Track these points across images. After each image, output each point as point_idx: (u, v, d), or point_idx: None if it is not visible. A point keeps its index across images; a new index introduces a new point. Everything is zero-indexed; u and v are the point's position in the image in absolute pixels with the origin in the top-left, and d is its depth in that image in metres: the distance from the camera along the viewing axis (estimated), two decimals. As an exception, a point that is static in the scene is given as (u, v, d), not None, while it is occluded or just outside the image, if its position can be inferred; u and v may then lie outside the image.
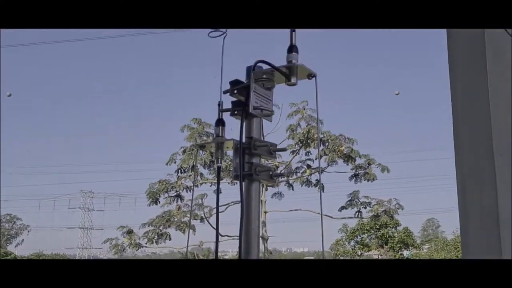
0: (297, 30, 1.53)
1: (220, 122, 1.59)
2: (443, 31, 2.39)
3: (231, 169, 1.73)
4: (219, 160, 1.61)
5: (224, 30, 1.62)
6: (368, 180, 20.45)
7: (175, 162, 21.24)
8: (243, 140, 1.49)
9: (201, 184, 21.32)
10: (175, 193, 21.41)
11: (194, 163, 21.81)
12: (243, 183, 1.46)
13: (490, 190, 2.13)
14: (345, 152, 19.63)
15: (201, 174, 21.39)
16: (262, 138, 1.55)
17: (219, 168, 1.67)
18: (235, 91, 1.51)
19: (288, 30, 1.54)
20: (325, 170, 20.44)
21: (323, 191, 19.04)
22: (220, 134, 1.58)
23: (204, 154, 21.03)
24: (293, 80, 1.47)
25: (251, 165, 1.48)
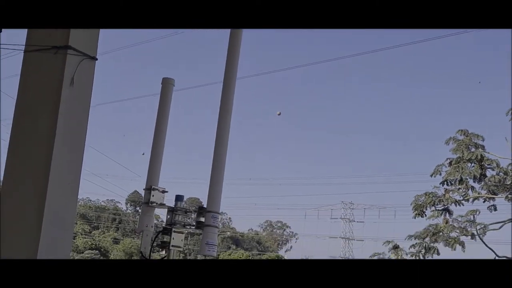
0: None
1: None
2: None
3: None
4: None
5: None
6: None
7: (440, 174, 20.34)
8: None
9: (473, 199, 19.87)
10: (443, 207, 20.28)
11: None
12: None
13: None
14: None
15: (472, 188, 20.00)
16: None
17: None
18: None
19: None
20: None
21: None
22: None
23: (473, 167, 19.75)
24: None
25: None
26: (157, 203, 2.79)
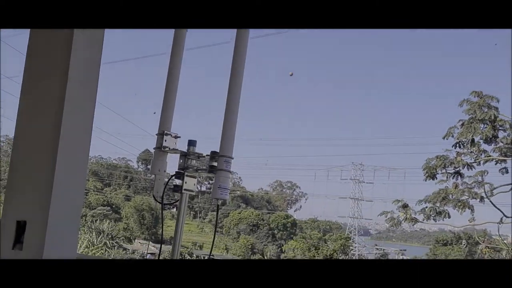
0: None
1: None
2: None
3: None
4: None
5: None
6: None
7: (452, 136, 20.21)
8: None
9: (484, 162, 19.78)
10: (454, 170, 20.21)
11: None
12: None
13: None
14: None
15: (484, 151, 19.88)
16: None
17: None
18: None
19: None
20: None
21: None
22: None
23: (485, 127, 19.56)
24: None
25: None
26: (169, 148, 2.80)
